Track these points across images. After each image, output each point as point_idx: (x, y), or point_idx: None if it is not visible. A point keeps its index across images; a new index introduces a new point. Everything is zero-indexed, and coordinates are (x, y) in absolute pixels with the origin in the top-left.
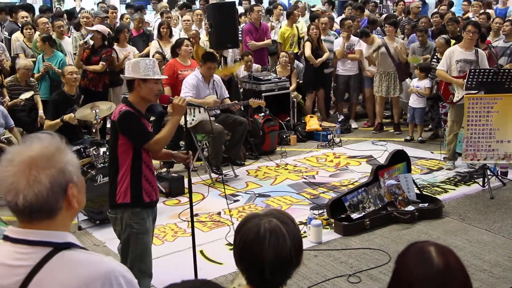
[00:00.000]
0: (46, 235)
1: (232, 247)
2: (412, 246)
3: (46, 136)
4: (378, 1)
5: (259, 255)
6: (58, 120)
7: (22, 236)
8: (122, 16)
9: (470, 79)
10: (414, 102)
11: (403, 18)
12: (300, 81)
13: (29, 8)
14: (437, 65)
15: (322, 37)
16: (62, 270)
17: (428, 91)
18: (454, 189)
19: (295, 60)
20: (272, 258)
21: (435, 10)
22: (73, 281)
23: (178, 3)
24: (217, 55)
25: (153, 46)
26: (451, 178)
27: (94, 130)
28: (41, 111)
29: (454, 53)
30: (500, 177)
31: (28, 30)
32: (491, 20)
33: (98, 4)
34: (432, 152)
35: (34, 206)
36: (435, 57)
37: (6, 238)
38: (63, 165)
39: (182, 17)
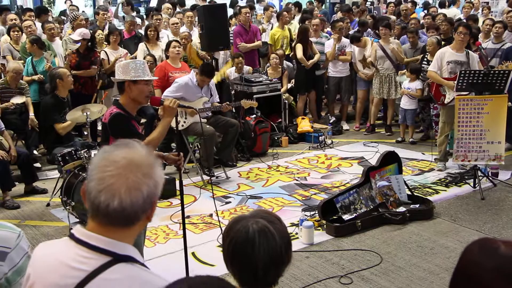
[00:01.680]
0: (109, 244)
1: (226, 255)
2: (475, 242)
3: (142, 145)
4: (369, 4)
5: (251, 256)
6: (70, 122)
7: (88, 239)
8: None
9: (460, 81)
10: (406, 103)
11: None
12: (291, 80)
13: (45, 10)
14: (427, 67)
15: (314, 39)
16: (115, 282)
17: (420, 93)
18: (445, 190)
19: (284, 61)
20: (264, 258)
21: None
22: None
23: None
24: (209, 57)
25: (140, 49)
26: (442, 179)
27: (85, 133)
28: (31, 114)
29: (445, 54)
30: (490, 178)
31: (16, 33)
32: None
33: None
34: (423, 153)
35: (124, 212)
36: (425, 59)
37: (73, 237)
38: (158, 180)
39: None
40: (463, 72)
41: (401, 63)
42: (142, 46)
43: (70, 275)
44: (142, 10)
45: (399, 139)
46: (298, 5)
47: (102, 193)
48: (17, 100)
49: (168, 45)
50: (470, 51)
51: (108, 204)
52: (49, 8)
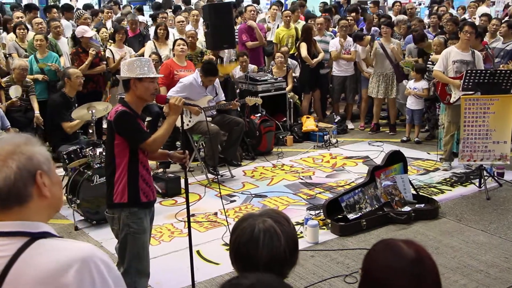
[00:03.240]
0: (22, 226)
1: (228, 247)
2: (378, 244)
3: (19, 133)
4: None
5: (254, 255)
6: (78, 120)
7: None
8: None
9: (466, 80)
10: (412, 103)
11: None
12: (296, 76)
13: (69, 8)
14: (432, 67)
15: (318, 38)
16: (39, 257)
17: (426, 92)
18: (451, 190)
19: (289, 59)
20: (266, 257)
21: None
22: (51, 266)
23: (172, 5)
24: (213, 57)
25: (148, 46)
26: (448, 179)
27: (90, 131)
28: (37, 112)
29: (450, 53)
30: (496, 178)
31: (21, 31)
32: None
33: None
34: (428, 153)
35: (2, 189)
36: (428, 59)
37: None
38: (31, 153)
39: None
40: (469, 71)
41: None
42: (150, 43)
43: None
44: (146, 8)
45: (404, 138)
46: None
47: None
48: (15, 92)
49: (174, 43)
50: (475, 51)
51: None
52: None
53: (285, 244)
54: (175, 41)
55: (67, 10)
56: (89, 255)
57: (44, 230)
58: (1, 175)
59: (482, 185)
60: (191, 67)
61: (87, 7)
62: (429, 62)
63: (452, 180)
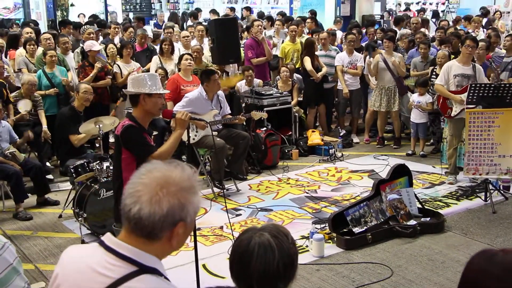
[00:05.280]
0: (137, 254)
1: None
2: (475, 255)
3: (190, 170)
4: (379, 17)
5: (247, 267)
6: (85, 135)
7: (115, 247)
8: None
9: (471, 94)
10: (416, 117)
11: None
12: (301, 89)
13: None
14: (436, 81)
15: (323, 52)
16: None
17: (431, 106)
18: (456, 204)
19: (294, 74)
20: (259, 270)
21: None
22: None
23: (177, 19)
24: (219, 71)
25: (154, 61)
26: (453, 193)
27: (97, 145)
28: (45, 126)
29: (452, 67)
30: (502, 192)
31: (32, 46)
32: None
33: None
34: (433, 167)
35: (142, 221)
36: (434, 72)
37: (102, 244)
38: (186, 202)
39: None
40: (473, 85)
41: (401, 76)
42: (155, 59)
43: (97, 280)
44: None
45: (410, 152)
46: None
47: (129, 196)
48: (24, 106)
49: (180, 58)
50: (476, 64)
51: (130, 208)
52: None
53: (279, 258)
54: (182, 55)
55: (75, 28)
56: None
57: (155, 266)
58: (150, 208)
59: (488, 199)
60: (197, 81)
61: (93, 17)
62: (433, 76)
63: (458, 194)
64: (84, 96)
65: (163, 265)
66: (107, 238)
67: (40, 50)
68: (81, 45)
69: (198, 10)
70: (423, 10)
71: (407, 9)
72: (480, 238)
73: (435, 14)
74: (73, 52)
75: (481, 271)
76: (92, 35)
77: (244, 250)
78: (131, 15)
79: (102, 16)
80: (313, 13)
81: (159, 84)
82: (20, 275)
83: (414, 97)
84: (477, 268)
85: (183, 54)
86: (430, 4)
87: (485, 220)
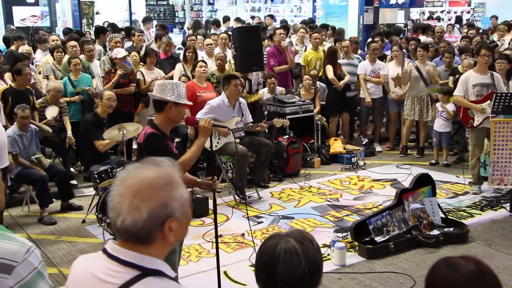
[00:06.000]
0: (138, 259)
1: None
2: (437, 263)
3: (164, 164)
4: (403, 26)
5: (273, 274)
6: (109, 141)
7: (117, 254)
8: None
9: (496, 103)
10: (441, 126)
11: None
12: (323, 102)
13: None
14: None
15: (346, 61)
16: None
17: (452, 114)
18: (481, 214)
19: (317, 81)
20: (285, 276)
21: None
22: None
23: (201, 27)
24: (242, 79)
25: (177, 69)
26: (477, 203)
27: (121, 151)
28: (69, 132)
29: (469, 78)
30: None
31: (59, 54)
32: None
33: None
34: (457, 176)
35: (129, 231)
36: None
37: (104, 251)
38: (167, 200)
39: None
40: (499, 94)
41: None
42: (179, 66)
43: (100, 287)
44: (176, 30)
45: (433, 161)
46: (328, 27)
47: (111, 210)
48: (51, 112)
49: (195, 65)
50: (494, 72)
51: (115, 221)
52: (87, 30)
53: (305, 264)
54: (196, 62)
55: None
56: None
57: (158, 268)
58: (131, 218)
59: None
60: (210, 88)
61: (111, 26)
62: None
63: (482, 204)
64: (108, 103)
65: (186, 270)
66: (110, 245)
67: (66, 57)
68: (108, 52)
69: (227, 18)
70: (437, 19)
71: (430, 17)
72: (505, 249)
73: (458, 19)
74: (99, 60)
75: (445, 279)
76: (119, 44)
77: (270, 257)
78: (154, 23)
79: (127, 24)
80: (332, 29)
81: (185, 94)
82: (45, 278)
83: (438, 106)
84: (440, 276)
85: (198, 61)
86: (455, 12)
87: (510, 231)
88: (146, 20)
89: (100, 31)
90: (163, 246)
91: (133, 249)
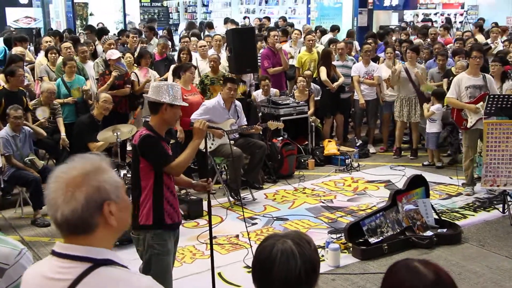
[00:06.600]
0: (87, 251)
1: (250, 269)
2: (396, 265)
3: (90, 156)
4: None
5: (269, 275)
6: (103, 142)
7: (65, 251)
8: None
9: (489, 105)
10: (427, 127)
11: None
12: (317, 98)
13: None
14: None
15: (340, 63)
16: (98, 285)
17: (429, 114)
18: (474, 215)
19: (312, 83)
20: (281, 277)
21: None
22: None
23: (195, 28)
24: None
25: (172, 71)
26: (470, 204)
27: (115, 153)
28: (63, 134)
29: (462, 80)
30: None
31: (53, 55)
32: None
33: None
34: (451, 178)
35: (70, 221)
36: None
37: (53, 252)
38: (99, 183)
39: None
40: (491, 96)
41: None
42: (174, 68)
43: (52, 286)
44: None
45: (426, 162)
46: (320, 29)
47: (48, 208)
48: (42, 113)
49: (186, 69)
50: (486, 74)
51: (55, 217)
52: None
53: (302, 266)
54: (190, 67)
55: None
56: None
57: (108, 257)
58: (69, 207)
59: (505, 211)
60: (195, 90)
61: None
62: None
63: (475, 205)
64: (104, 105)
65: (180, 272)
66: (57, 246)
67: (60, 59)
68: (102, 55)
69: (227, 19)
70: (427, 20)
71: (424, 19)
72: (498, 250)
73: (448, 21)
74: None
75: (403, 282)
76: (112, 46)
77: (266, 257)
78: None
79: (121, 26)
80: (322, 31)
81: (180, 95)
82: None
83: (430, 107)
84: (399, 279)
85: (190, 66)
86: (448, 14)
87: (502, 232)
88: (151, 21)
89: (102, 33)
90: (107, 232)
91: (79, 242)
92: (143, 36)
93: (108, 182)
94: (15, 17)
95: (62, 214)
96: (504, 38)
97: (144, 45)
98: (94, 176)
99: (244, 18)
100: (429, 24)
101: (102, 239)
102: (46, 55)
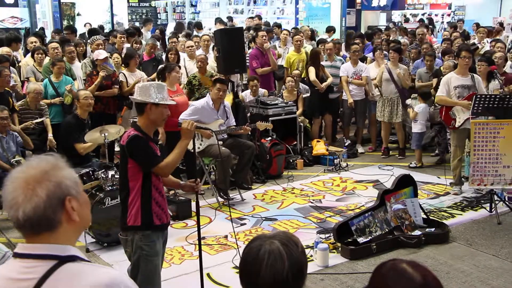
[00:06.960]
0: (50, 249)
1: (238, 270)
2: (383, 266)
3: (46, 156)
4: (384, 28)
5: (257, 276)
6: (91, 143)
7: (28, 251)
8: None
9: (476, 105)
10: (412, 127)
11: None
12: (307, 94)
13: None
14: None
15: (329, 63)
16: (66, 281)
17: (413, 115)
18: (461, 214)
19: (300, 83)
20: (268, 279)
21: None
22: None
23: (185, 30)
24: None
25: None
26: (458, 203)
27: (102, 154)
28: (50, 135)
29: (451, 80)
30: (507, 203)
31: (39, 55)
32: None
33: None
34: (438, 177)
35: (33, 218)
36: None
37: (16, 255)
38: (59, 179)
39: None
40: (478, 96)
41: (405, 88)
42: (158, 70)
43: (17, 286)
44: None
45: (412, 164)
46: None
47: (8, 209)
48: (37, 121)
49: (171, 69)
50: (474, 74)
51: (17, 217)
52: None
53: (289, 267)
54: (174, 67)
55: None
56: (115, 281)
57: (72, 253)
58: (30, 204)
59: (493, 210)
60: (180, 91)
61: (92, 31)
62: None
63: (463, 204)
64: (85, 102)
65: (168, 273)
66: (19, 247)
67: (47, 59)
68: (89, 55)
69: (218, 20)
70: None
71: (407, 20)
72: (485, 249)
73: (430, 21)
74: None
75: (389, 283)
76: (100, 47)
77: (253, 258)
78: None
79: (109, 26)
80: (310, 31)
81: (166, 94)
82: None
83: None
84: (386, 279)
85: (175, 66)
86: (436, 15)
87: (490, 231)
88: (146, 21)
89: (93, 33)
90: (70, 229)
91: (42, 241)
92: (142, 37)
93: (68, 178)
94: (1, 17)
95: (23, 213)
96: (491, 39)
97: (138, 45)
98: (53, 172)
99: (228, 18)
100: (414, 25)
101: (66, 236)
102: (32, 56)
